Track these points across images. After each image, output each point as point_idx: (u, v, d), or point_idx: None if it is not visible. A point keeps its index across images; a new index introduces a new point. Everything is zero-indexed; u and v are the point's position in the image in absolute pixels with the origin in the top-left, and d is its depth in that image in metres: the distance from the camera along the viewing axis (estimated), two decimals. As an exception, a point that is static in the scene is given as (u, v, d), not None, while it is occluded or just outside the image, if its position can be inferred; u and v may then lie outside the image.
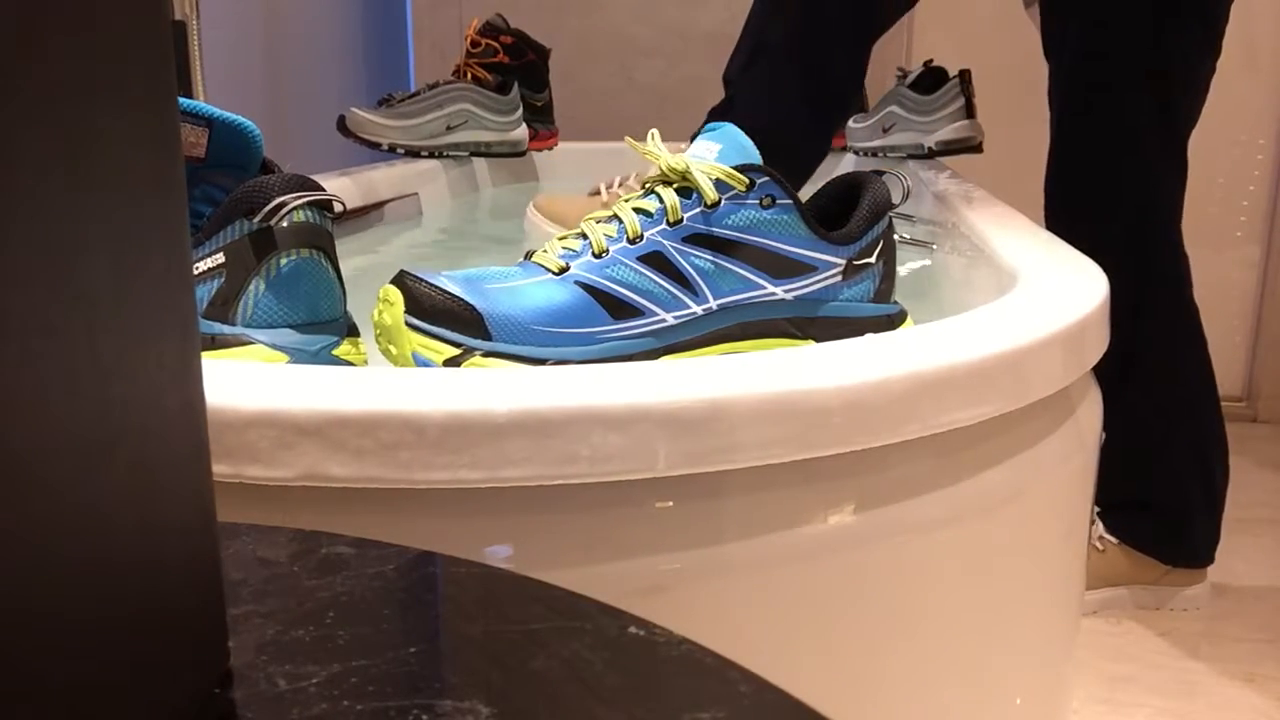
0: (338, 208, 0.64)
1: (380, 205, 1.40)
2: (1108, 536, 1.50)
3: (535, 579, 0.33)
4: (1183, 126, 1.38)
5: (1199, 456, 1.46)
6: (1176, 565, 1.49)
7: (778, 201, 0.63)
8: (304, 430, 0.45)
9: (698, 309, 0.62)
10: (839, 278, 0.66)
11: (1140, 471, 1.46)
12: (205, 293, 0.60)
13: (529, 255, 0.64)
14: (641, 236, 0.62)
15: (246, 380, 0.47)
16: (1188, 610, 1.50)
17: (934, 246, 1.16)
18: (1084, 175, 1.39)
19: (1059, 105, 1.41)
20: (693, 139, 0.68)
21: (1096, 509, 1.52)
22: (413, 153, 1.51)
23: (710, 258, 0.62)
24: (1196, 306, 1.42)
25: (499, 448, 0.45)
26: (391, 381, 0.47)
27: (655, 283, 0.61)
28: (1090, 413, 0.67)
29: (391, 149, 1.48)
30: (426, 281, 0.59)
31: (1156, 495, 1.47)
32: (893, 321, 0.69)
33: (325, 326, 0.61)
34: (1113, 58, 1.35)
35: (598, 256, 0.61)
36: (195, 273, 0.60)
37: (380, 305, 0.60)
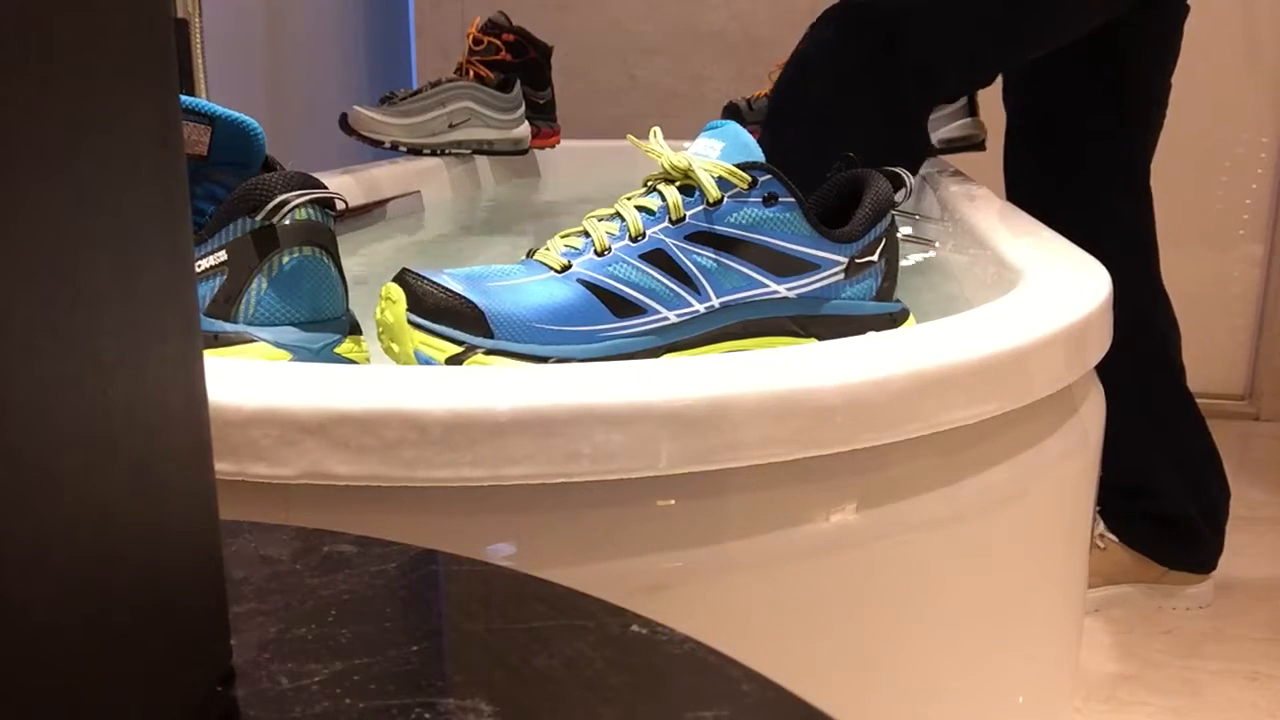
0: (340, 205, 0.64)
1: (382, 203, 1.40)
2: (1108, 535, 1.50)
3: (537, 577, 0.33)
4: (1144, 160, 1.36)
5: (1188, 475, 1.45)
6: (1176, 570, 1.49)
7: (780, 199, 0.63)
8: (306, 428, 0.45)
9: (700, 307, 0.62)
10: (841, 276, 0.66)
11: (1134, 485, 1.46)
12: (207, 290, 0.60)
13: (531, 253, 0.64)
14: (644, 234, 0.62)
15: (249, 378, 0.47)
16: (1190, 609, 1.50)
17: (936, 245, 1.16)
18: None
19: (1012, 149, 1.41)
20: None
21: (1097, 507, 1.51)
22: (415, 150, 1.51)
23: (712, 256, 0.62)
24: (1171, 334, 1.41)
25: (501, 446, 0.45)
26: (394, 379, 0.47)
27: (657, 281, 0.61)
28: (1093, 411, 0.67)
29: (394, 147, 1.48)
30: (429, 279, 0.59)
31: (1153, 508, 1.47)
32: (895, 320, 0.69)
33: (327, 324, 0.61)
34: (1064, 107, 1.33)
35: (600, 254, 0.61)
36: (197, 270, 0.60)
37: (382, 303, 0.60)
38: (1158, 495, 1.45)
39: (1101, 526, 1.51)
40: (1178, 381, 1.43)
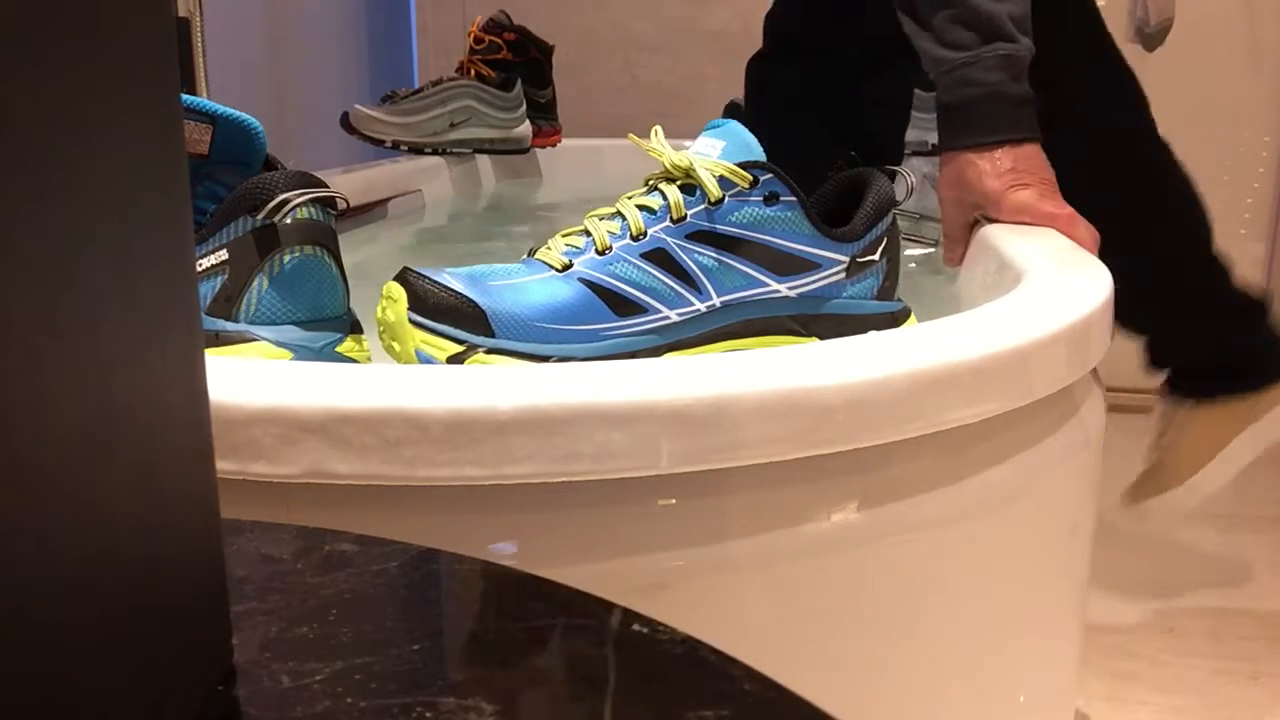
0: (341, 204, 0.64)
1: (383, 202, 1.40)
2: (1183, 403, 1.36)
3: (538, 576, 0.33)
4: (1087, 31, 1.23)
5: (1209, 305, 1.32)
6: (1263, 390, 1.34)
7: (781, 198, 0.63)
8: (307, 427, 0.45)
9: (701, 306, 0.62)
10: (842, 275, 0.66)
11: (1173, 343, 1.34)
12: (208, 290, 0.60)
13: (532, 252, 0.64)
14: (645, 233, 0.62)
15: (250, 377, 0.47)
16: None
17: (938, 244, 1.16)
18: None
19: None
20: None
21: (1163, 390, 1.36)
22: (416, 150, 1.51)
23: (714, 255, 0.62)
24: (1188, 188, 1.31)
25: (502, 445, 0.45)
26: (395, 378, 0.47)
27: (659, 280, 0.61)
28: (1094, 411, 0.67)
29: (395, 146, 1.48)
30: (430, 278, 0.59)
31: (1201, 357, 1.34)
32: (896, 319, 0.69)
33: (328, 323, 0.62)
34: None
35: (601, 253, 0.61)
36: (198, 270, 0.60)
37: (384, 302, 0.60)
38: (1190, 334, 1.33)
39: (1169, 406, 1.36)
40: (1203, 240, 1.30)
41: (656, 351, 0.61)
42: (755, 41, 1.40)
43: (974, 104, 0.94)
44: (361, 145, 1.47)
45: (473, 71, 1.59)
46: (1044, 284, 0.69)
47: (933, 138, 1.66)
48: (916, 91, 1.69)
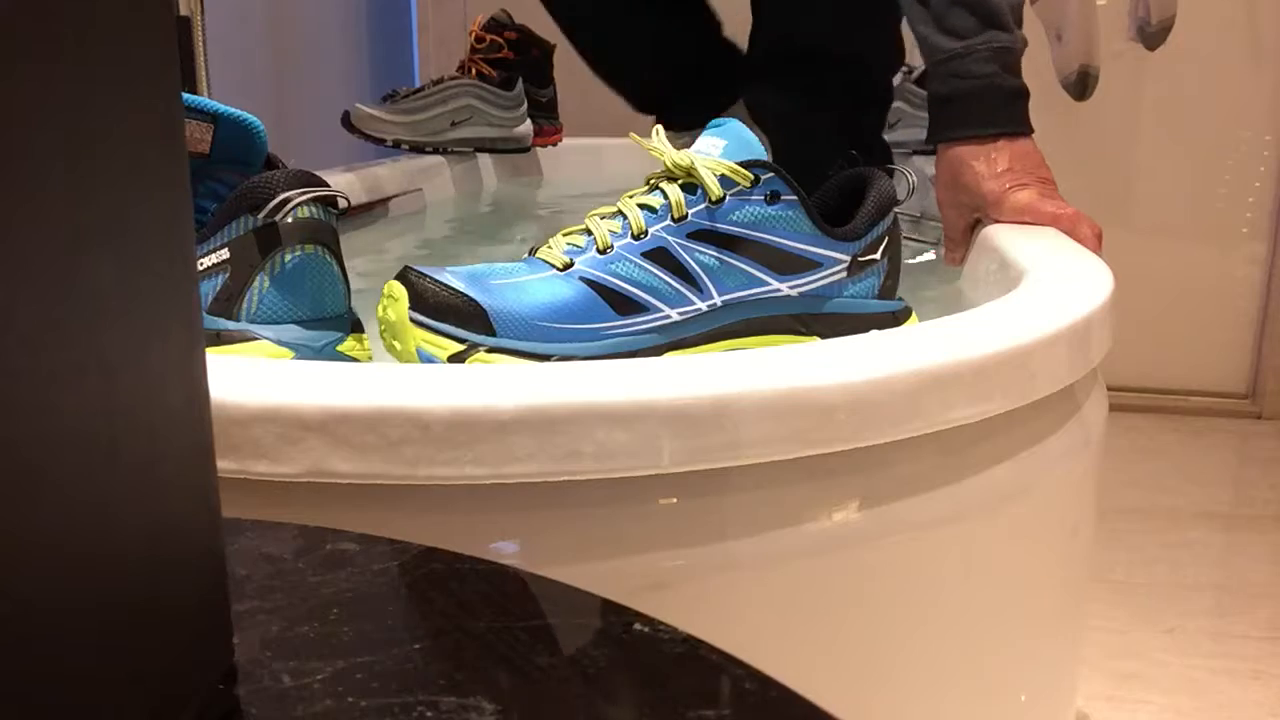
0: (342, 203, 0.64)
1: (384, 201, 1.40)
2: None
3: (539, 575, 0.33)
4: None
5: None
6: None
7: (782, 197, 0.63)
8: (308, 426, 0.45)
9: (702, 305, 0.62)
10: (844, 274, 0.66)
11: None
12: (210, 289, 0.60)
13: (533, 251, 0.64)
14: (646, 232, 0.62)
15: (251, 376, 0.47)
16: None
17: (939, 243, 1.16)
18: None
19: None
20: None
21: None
22: (417, 148, 1.51)
23: (715, 254, 0.62)
24: None
25: (503, 444, 0.45)
26: (396, 377, 0.47)
27: (660, 279, 0.61)
28: (1095, 410, 0.67)
29: (396, 145, 1.48)
30: (431, 277, 0.59)
31: None
32: (897, 318, 0.69)
33: (330, 322, 0.61)
34: None
35: (602, 253, 0.61)
36: (199, 269, 0.60)
37: (385, 301, 0.60)
38: None
39: None
40: None
41: (657, 351, 0.61)
42: (756, 41, 1.40)
43: (967, 96, 0.94)
44: (362, 144, 1.47)
45: (474, 70, 1.59)
46: (1045, 283, 0.69)
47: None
48: (918, 91, 1.68)
